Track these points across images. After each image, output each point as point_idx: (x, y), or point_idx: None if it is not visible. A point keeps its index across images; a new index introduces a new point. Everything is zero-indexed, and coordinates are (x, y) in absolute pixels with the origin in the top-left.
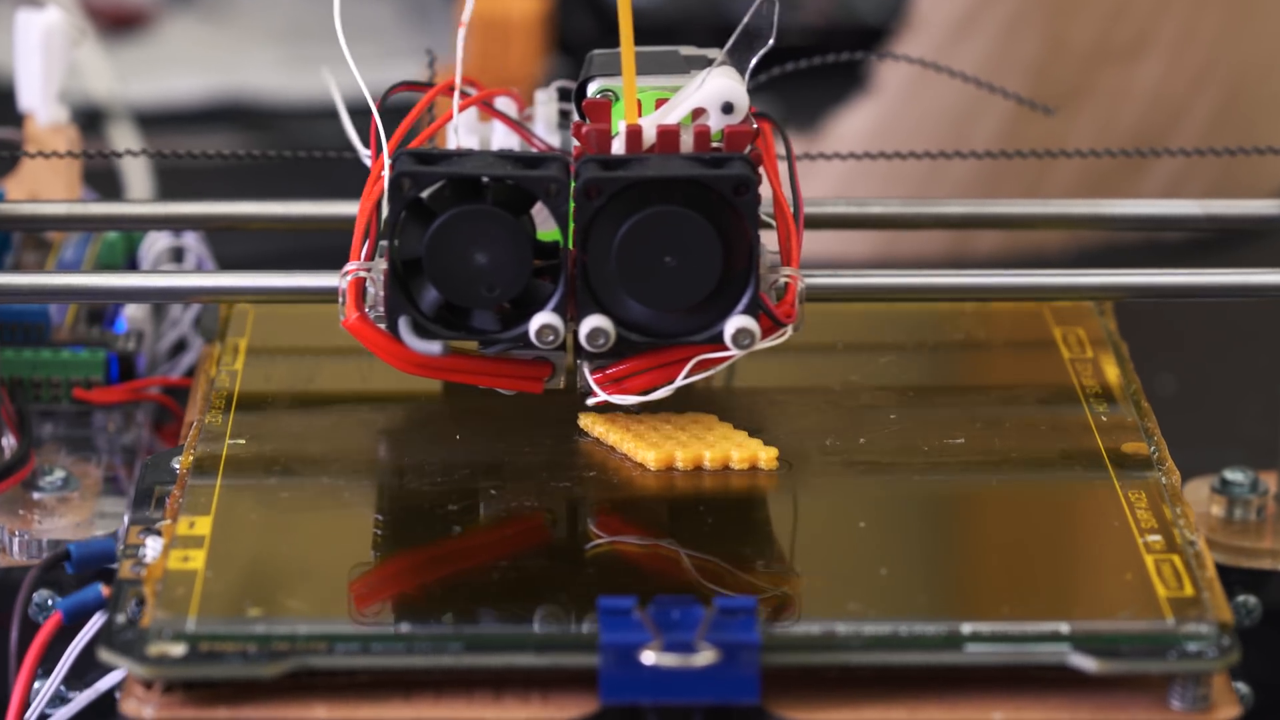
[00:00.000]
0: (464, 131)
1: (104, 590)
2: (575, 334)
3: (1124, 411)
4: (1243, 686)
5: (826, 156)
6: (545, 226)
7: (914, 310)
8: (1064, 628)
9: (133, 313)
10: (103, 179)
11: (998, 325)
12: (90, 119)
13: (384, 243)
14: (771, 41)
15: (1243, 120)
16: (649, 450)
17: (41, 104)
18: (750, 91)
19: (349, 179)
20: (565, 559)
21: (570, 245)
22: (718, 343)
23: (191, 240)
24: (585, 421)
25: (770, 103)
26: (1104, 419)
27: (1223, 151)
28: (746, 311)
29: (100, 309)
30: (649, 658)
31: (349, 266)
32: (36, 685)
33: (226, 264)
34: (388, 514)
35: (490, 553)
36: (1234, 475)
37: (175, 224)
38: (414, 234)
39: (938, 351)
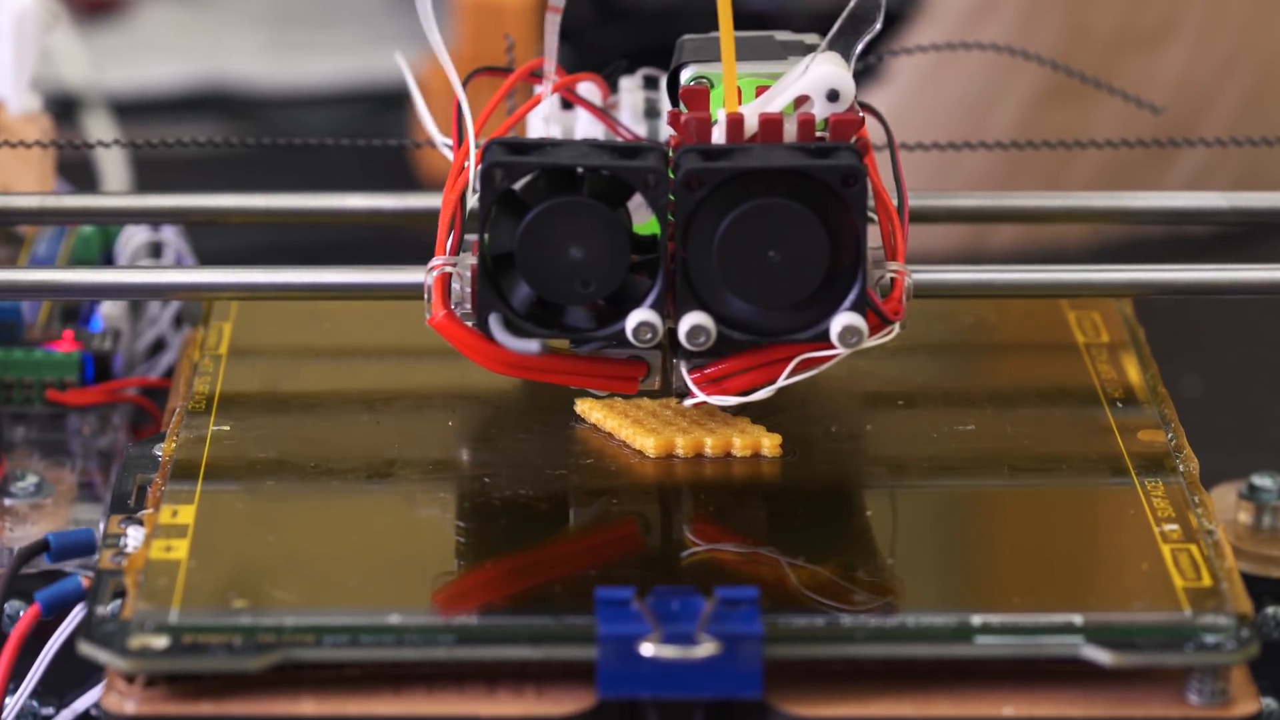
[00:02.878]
0: (548, 120)
1: (84, 581)
2: (673, 332)
3: (1140, 399)
4: (1273, 702)
5: (891, 145)
6: (638, 218)
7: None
8: (1078, 619)
9: (109, 310)
10: (77, 170)
11: (1010, 310)
12: (64, 107)
13: (470, 237)
14: (878, 26)
15: (1271, 109)
16: (648, 437)
17: (13, 92)
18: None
19: (334, 170)
20: (560, 547)
21: (669, 239)
22: (823, 341)
23: (170, 234)
24: (582, 407)
25: None
26: (1120, 405)
27: (1250, 142)
28: (854, 308)
29: (75, 306)
30: (648, 650)
31: (434, 262)
32: (9, 702)
33: (207, 259)
34: (377, 502)
35: (482, 541)
36: (1262, 480)
37: (153, 217)
38: (505, 227)
39: (948, 336)
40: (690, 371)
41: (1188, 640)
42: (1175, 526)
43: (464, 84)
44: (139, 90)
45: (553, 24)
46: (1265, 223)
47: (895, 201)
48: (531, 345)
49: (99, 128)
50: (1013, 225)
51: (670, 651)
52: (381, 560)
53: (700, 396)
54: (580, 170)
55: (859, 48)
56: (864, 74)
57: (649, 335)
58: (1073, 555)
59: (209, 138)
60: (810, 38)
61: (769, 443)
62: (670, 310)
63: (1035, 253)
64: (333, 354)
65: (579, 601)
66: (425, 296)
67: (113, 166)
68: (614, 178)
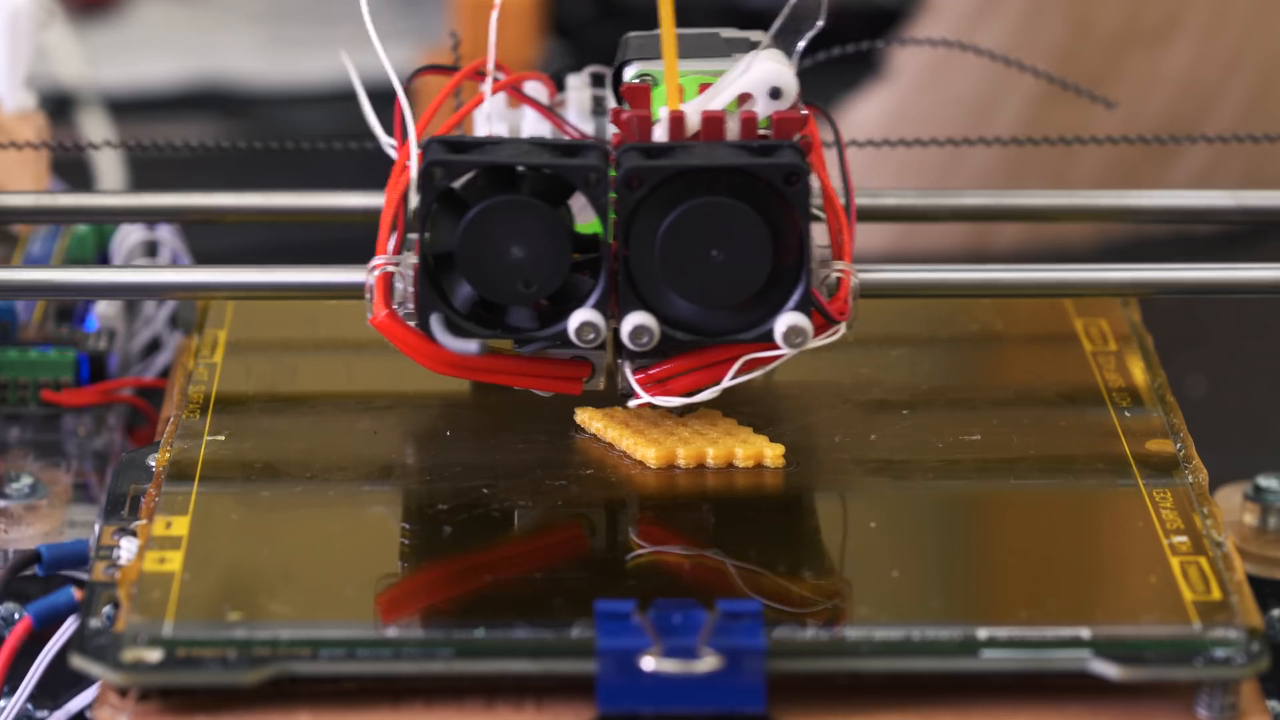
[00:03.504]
0: (493, 118)
1: (76, 593)
2: (617, 332)
3: (1149, 407)
4: (1278, 705)
5: (839, 144)
6: (583, 218)
7: (928, 299)
8: (1085, 633)
9: (104, 310)
10: (72, 169)
11: (1016, 316)
12: (59, 105)
13: (413, 236)
14: (820, 24)
15: (1277, 107)
16: (649, 447)
17: (7, 90)
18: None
19: (332, 169)
20: (559, 559)
21: (611, 238)
22: (767, 341)
23: (166, 233)
24: (582, 417)
25: None
26: (1127, 415)
27: (1255, 139)
28: (798, 308)
29: (70, 306)
30: (649, 664)
31: (376, 261)
32: (2, 704)
33: (203, 258)
34: (374, 514)
35: (482, 554)
36: (1268, 481)
37: (149, 216)
38: (446, 226)
39: (953, 344)
40: (635, 372)
41: (1197, 654)
42: (1184, 538)
43: (407, 82)
44: (134, 88)
45: (494, 19)
46: (1271, 221)
47: (843, 200)
48: (470, 345)
49: (94, 126)
50: (1016, 224)
51: (671, 665)
52: (378, 572)
53: (645, 398)
54: (521, 169)
55: (801, 45)
56: (866, 70)
57: (592, 335)
58: (1080, 567)
59: (204, 138)
60: (756, 34)
61: (772, 453)
62: (613, 310)
63: (1039, 252)
64: (329, 356)
65: (579, 614)
66: (366, 296)
67: (108, 165)
68: (555, 176)
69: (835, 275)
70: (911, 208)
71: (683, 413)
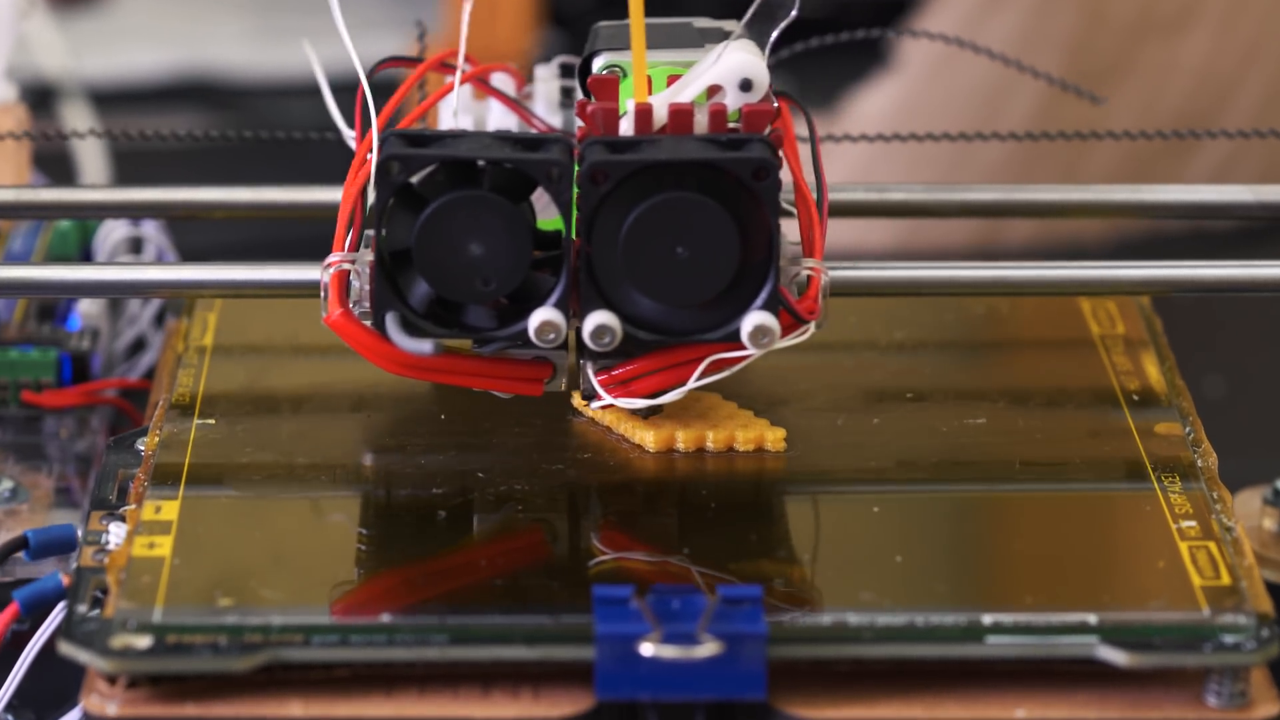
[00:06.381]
0: (459, 111)
1: (64, 579)
2: (578, 332)
3: (1157, 390)
4: None
5: (845, 139)
6: (545, 214)
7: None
8: (1092, 618)
9: (87, 309)
10: (55, 162)
11: (1023, 300)
12: (41, 97)
13: (370, 232)
14: (794, 13)
15: None
16: (647, 431)
17: None
18: (769, 68)
19: (322, 162)
20: (557, 544)
21: (574, 235)
22: (734, 341)
23: (151, 229)
24: (580, 400)
25: (784, 80)
26: (1135, 398)
27: (1275, 134)
28: (765, 307)
29: (52, 304)
30: (648, 650)
31: (331, 258)
32: None
33: (189, 255)
34: (368, 498)
35: (479, 541)
36: None
37: (133, 211)
38: (403, 223)
39: (957, 325)
40: (597, 373)
41: (1206, 640)
42: (1193, 523)
43: (370, 73)
44: (119, 79)
45: (467, 9)
46: None
47: (815, 195)
48: (424, 346)
49: (77, 118)
50: (1027, 220)
51: (671, 651)
52: (372, 557)
53: (607, 399)
54: (481, 163)
55: (774, 35)
56: (874, 62)
57: (552, 335)
58: (1087, 553)
59: (191, 130)
60: (729, 24)
61: (773, 437)
62: (575, 309)
63: (1051, 248)
64: (321, 348)
65: (576, 600)
66: (321, 294)
67: (91, 158)
68: (516, 171)
69: (805, 273)
70: (919, 203)
71: (648, 414)
